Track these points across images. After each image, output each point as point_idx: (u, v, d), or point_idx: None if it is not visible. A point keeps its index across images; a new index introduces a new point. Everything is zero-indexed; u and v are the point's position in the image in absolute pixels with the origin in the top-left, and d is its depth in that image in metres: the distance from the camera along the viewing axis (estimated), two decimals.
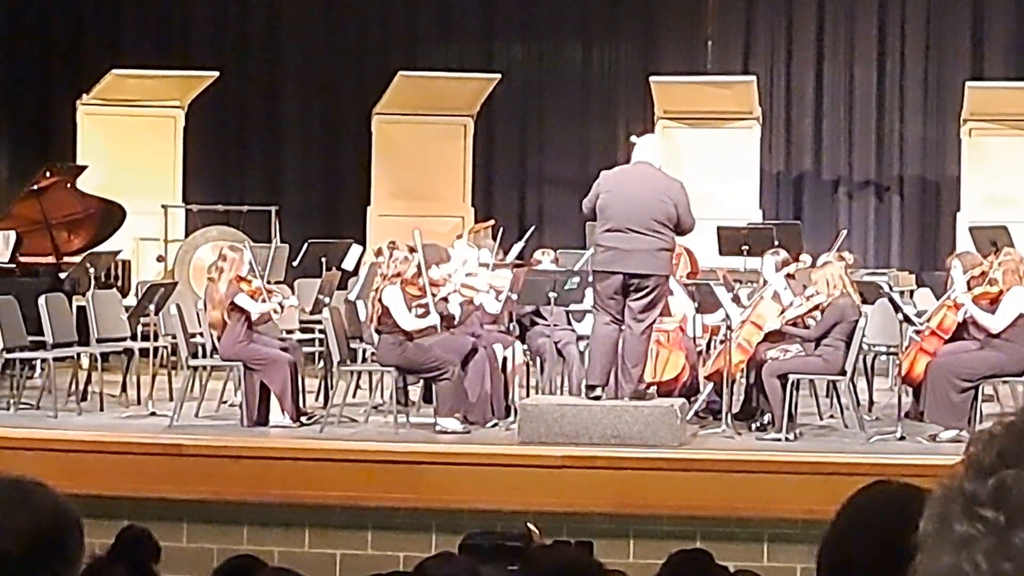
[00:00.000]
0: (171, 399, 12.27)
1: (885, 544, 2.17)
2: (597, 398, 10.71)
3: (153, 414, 12.05)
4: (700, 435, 11.19)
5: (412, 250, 11.83)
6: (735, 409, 11.59)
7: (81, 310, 13.30)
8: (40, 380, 12.83)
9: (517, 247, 14.19)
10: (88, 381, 12.76)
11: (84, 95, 17.94)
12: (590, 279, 11.22)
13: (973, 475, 1.40)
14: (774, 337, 11.57)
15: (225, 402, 12.55)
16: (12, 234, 15.29)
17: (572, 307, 12.10)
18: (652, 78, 17.83)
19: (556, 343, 12.11)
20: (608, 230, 10.64)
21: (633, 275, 10.57)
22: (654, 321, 10.83)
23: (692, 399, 11.73)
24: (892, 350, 12.43)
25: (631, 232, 10.54)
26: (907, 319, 11.54)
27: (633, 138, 11.22)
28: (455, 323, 11.91)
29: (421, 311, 11.48)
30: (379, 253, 12.85)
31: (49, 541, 2.19)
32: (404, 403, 11.84)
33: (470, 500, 10.05)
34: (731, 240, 14.88)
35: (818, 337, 11.28)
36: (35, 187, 15.56)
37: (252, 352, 11.58)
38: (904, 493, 2.30)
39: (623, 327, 10.70)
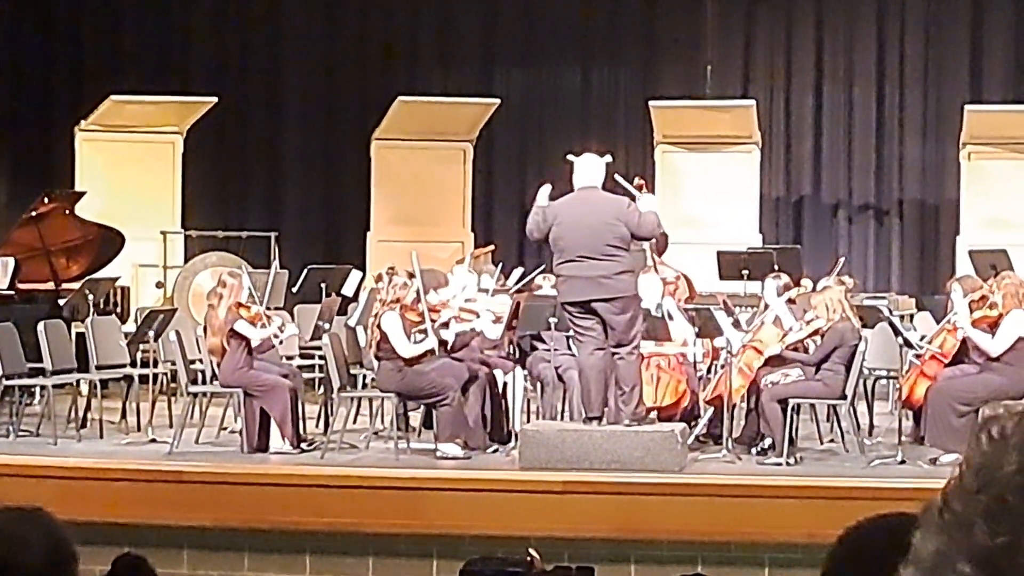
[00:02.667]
0: (171, 426, 12.24)
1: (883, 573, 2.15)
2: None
3: (153, 441, 12.02)
4: (701, 460, 11.17)
5: (411, 276, 11.81)
6: (736, 434, 11.57)
7: (80, 336, 13.28)
8: (39, 407, 12.79)
9: (517, 273, 14.17)
10: (87, 408, 12.73)
11: (83, 121, 17.95)
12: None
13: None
14: (774, 362, 11.55)
15: (225, 429, 12.52)
16: (11, 260, 15.27)
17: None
18: (651, 102, 17.86)
19: (556, 368, 12.09)
20: (564, 261, 10.63)
21: (598, 300, 10.56)
22: (638, 342, 10.80)
23: (693, 424, 11.71)
24: (892, 374, 12.41)
25: (587, 260, 10.52)
26: (907, 343, 11.52)
27: (570, 156, 10.98)
28: (450, 347, 11.88)
29: (420, 337, 11.46)
30: (379, 279, 12.84)
31: (52, 570, 2.19)
32: (404, 429, 11.81)
33: (471, 526, 10.02)
34: (731, 264, 14.87)
35: (818, 361, 11.27)
36: (34, 213, 15.55)
37: (252, 378, 11.56)
38: (904, 522, 2.28)
39: (610, 352, 10.67)
